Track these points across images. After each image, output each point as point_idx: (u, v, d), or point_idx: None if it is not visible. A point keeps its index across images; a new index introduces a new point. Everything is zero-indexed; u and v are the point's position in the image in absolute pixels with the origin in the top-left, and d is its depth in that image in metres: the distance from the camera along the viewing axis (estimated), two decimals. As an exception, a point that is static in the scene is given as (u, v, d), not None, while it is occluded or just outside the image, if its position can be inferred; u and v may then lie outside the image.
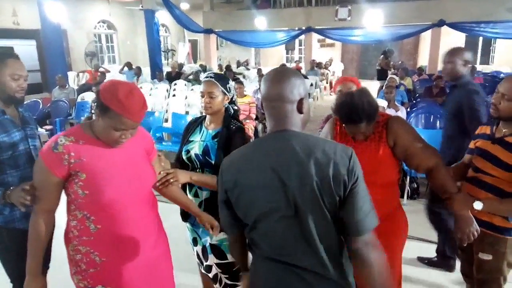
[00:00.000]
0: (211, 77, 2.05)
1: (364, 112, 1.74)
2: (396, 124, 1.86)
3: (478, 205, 1.76)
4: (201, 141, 2.09)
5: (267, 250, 1.26)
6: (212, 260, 2.15)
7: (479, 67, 12.76)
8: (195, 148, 2.09)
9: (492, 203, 1.81)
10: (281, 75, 1.25)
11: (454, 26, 11.41)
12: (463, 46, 16.00)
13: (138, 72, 10.57)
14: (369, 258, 1.18)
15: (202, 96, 2.04)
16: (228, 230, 1.38)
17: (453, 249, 2.81)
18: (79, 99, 7.42)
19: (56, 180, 1.50)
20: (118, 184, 1.53)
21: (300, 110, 1.25)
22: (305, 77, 10.31)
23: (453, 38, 14.15)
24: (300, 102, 1.25)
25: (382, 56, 10.88)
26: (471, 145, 2.05)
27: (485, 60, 15.98)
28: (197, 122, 2.19)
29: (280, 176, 1.17)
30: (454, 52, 2.69)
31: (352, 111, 1.75)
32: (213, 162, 2.02)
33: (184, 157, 2.11)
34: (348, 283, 1.26)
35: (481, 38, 15.04)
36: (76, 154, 1.48)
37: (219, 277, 2.20)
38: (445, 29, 11.82)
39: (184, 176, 1.89)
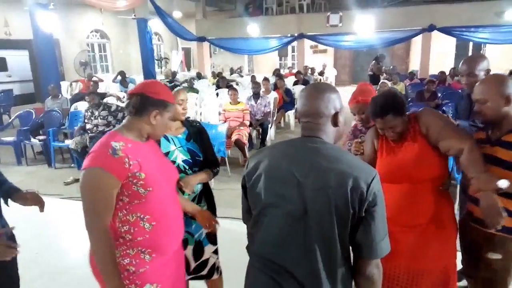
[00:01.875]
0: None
1: (387, 104, 1.84)
2: (425, 113, 1.93)
3: (502, 183, 1.66)
4: (179, 147, 2.12)
5: (262, 250, 1.27)
6: (208, 251, 2.21)
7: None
8: (179, 156, 2.11)
9: None
10: (317, 91, 1.31)
11: (444, 30, 11.56)
12: (453, 51, 16.22)
13: (124, 83, 10.55)
14: (378, 280, 1.25)
15: (179, 104, 2.12)
16: (242, 218, 1.46)
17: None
18: (72, 109, 7.39)
19: (119, 186, 1.50)
20: (163, 179, 1.63)
21: (335, 123, 1.30)
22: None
23: (443, 43, 14.34)
24: (336, 116, 1.30)
25: (374, 61, 10.98)
26: None
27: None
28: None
29: (296, 176, 1.21)
30: (474, 62, 2.45)
31: (378, 104, 1.87)
32: (201, 159, 2.15)
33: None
34: None
35: (471, 43, 15.22)
36: (133, 156, 1.53)
37: (216, 265, 2.27)
38: (435, 34, 11.96)
39: (194, 181, 2.03)
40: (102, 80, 11.04)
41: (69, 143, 5.88)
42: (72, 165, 6.28)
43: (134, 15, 11.97)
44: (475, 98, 1.86)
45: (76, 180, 5.50)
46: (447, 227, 1.95)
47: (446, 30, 11.55)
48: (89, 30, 14.87)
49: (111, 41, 15.83)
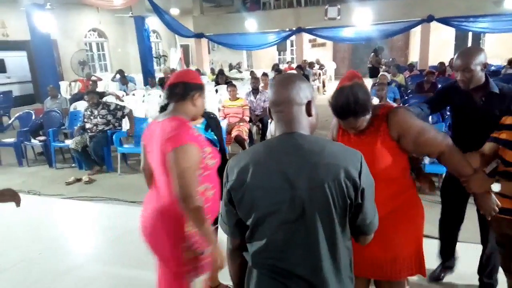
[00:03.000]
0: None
1: (349, 108, 1.73)
2: (397, 116, 1.82)
3: (496, 187, 1.73)
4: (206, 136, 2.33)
5: (263, 256, 1.24)
6: None
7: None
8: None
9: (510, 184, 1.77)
10: (287, 80, 1.29)
11: (443, 21, 11.50)
12: (453, 41, 16.14)
13: (124, 81, 10.50)
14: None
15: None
16: (230, 233, 1.33)
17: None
18: (71, 109, 7.39)
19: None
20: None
21: (309, 113, 1.27)
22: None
23: (442, 33, 14.27)
24: (309, 105, 1.27)
25: (372, 54, 10.92)
26: (495, 134, 1.96)
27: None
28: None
29: (288, 178, 1.16)
30: (469, 56, 2.25)
31: (338, 107, 1.76)
32: (219, 148, 2.38)
33: None
34: None
35: (470, 33, 15.15)
36: (197, 133, 1.82)
37: None
38: (434, 24, 11.90)
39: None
40: (100, 79, 11.04)
41: (69, 143, 5.87)
42: (73, 165, 6.28)
43: (131, 13, 11.94)
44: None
45: (78, 180, 5.51)
46: (410, 212, 1.91)
47: (445, 21, 11.49)
48: (86, 29, 14.84)
49: (109, 40, 15.80)
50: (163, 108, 2.26)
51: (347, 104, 1.73)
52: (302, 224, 1.17)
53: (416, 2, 11.77)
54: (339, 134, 2.01)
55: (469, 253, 2.78)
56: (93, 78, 10.68)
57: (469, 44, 15.97)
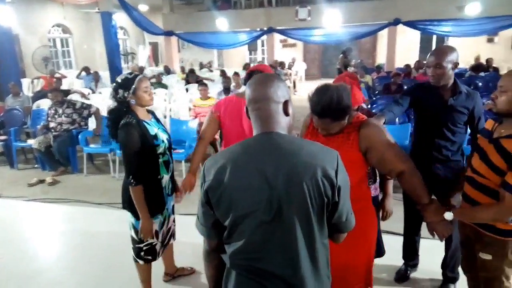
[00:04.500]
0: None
1: (330, 109, 1.73)
2: (369, 130, 1.83)
3: (448, 216, 1.79)
4: (158, 129, 2.40)
5: (242, 257, 1.23)
6: (171, 219, 2.64)
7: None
8: (163, 136, 2.41)
9: (464, 212, 1.85)
10: (265, 78, 1.30)
11: (409, 24, 11.87)
12: (418, 44, 16.68)
13: (96, 77, 10.23)
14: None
15: (145, 92, 2.31)
16: (206, 234, 1.31)
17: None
18: (34, 107, 7.09)
19: None
20: None
21: (286, 112, 1.27)
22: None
23: (408, 36, 14.72)
24: (286, 104, 1.27)
25: (341, 55, 11.11)
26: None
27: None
28: (136, 122, 2.27)
29: (267, 178, 1.16)
30: (442, 54, 2.33)
31: (319, 105, 1.74)
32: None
33: (162, 150, 2.39)
34: None
35: (435, 36, 15.70)
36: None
37: (172, 231, 2.68)
38: (401, 27, 12.26)
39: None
40: (65, 77, 10.63)
41: (32, 143, 5.63)
42: (36, 165, 6.02)
43: (98, 9, 11.58)
44: (499, 85, 1.75)
45: (41, 181, 5.29)
46: (364, 224, 1.91)
47: (411, 24, 11.86)
48: (50, 24, 14.27)
49: (74, 36, 15.26)
50: (113, 112, 2.31)
51: (329, 104, 1.72)
52: (280, 223, 1.17)
53: (383, 5, 12.08)
54: (308, 132, 2.01)
55: (432, 249, 2.87)
56: (57, 75, 10.28)
57: (433, 47, 16.54)
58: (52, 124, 5.59)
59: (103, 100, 7.62)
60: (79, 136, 5.51)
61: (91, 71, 10.68)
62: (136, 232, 2.43)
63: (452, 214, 1.80)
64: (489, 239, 1.85)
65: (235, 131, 2.43)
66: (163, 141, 2.37)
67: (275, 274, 1.20)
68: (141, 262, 2.52)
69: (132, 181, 2.23)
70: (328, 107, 1.73)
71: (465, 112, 2.40)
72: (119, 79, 2.30)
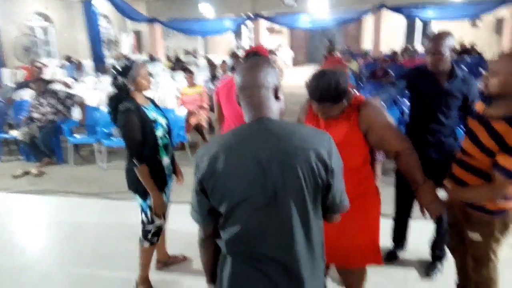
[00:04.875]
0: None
1: (329, 93, 1.75)
2: (369, 110, 1.84)
3: (442, 195, 1.83)
4: (157, 114, 2.46)
5: (238, 243, 1.23)
6: (168, 203, 2.63)
7: (420, 48, 13.40)
8: (162, 121, 2.46)
9: (457, 192, 1.88)
10: (254, 64, 1.29)
11: (393, 9, 11.88)
12: (404, 29, 16.76)
13: (79, 66, 10.04)
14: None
15: (143, 77, 2.38)
16: (202, 222, 1.31)
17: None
18: (17, 98, 6.93)
19: None
20: None
21: (277, 97, 1.27)
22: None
23: (393, 22, 14.76)
24: (276, 89, 1.27)
25: (327, 43, 11.12)
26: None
27: (424, 41, 16.83)
28: (135, 107, 2.32)
29: (261, 164, 1.16)
30: (439, 40, 2.34)
31: (318, 90, 1.76)
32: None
33: (161, 133, 2.43)
34: (318, 284, 1.27)
35: (418, 21, 15.78)
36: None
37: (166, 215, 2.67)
38: (386, 13, 12.27)
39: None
40: (46, 66, 10.39)
41: (16, 134, 5.51)
42: (20, 157, 5.90)
43: (79, -4, 11.28)
44: (490, 67, 1.76)
45: (26, 173, 5.20)
46: (368, 202, 1.97)
47: (395, 8, 11.88)
48: (30, 13, 13.87)
49: (55, 24, 14.88)
50: (113, 98, 2.37)
51: (327, 89, 1.75)
52: (275, 208, 1.18)
53: (368, -10, 12.06)
54: (307, 118, 2.02)
55: (420, 230, 2.94)
56: (38, 64, 10.04)
57: (418, 32, 16.66)
58: (36, 115, 5.47)
59: (86, 89, 7.50)
60: (64, 127, 5.42)
61: (74, 60, 10.47)
62: (146, 213, 2.50)
63: (445, 193, 1.83)
64: (477, 219, 1.89)
65: (233, 112, 2.56)
66: (162, 125, 2.44)
67: (271, 258, 1.21)
68: (147, 244, 2.57)
69: (135, 162, 2.31)
70: (326, 92, 1.75)
71: (459, 96, 2.42)
72: (118, 66, 2.37)
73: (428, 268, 2.76)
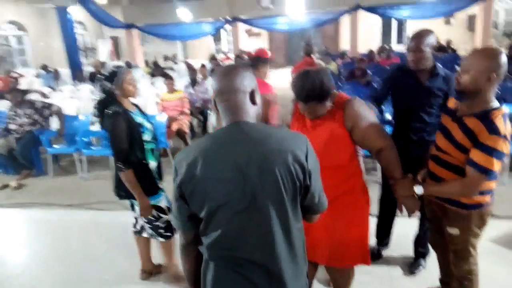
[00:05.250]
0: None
1: (314, 93, 1.79)
2: (354, 107, 1.88)
3: (419, 190, 1.88)
4: (143, 120, 2.50)
5: (219, 247, 1.24)
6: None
7: (395, 47, 13.65)
8: (148, 126, 2.50)
9: (433, 187, 1.92)
10: (230, 69, 1.30)
11: (368, 9, 12.08)
12: (380, 29, 17.04)
13: (56, 74, 9.85)
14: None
15: (130, 84, 2.45)
16: (182, 228, 1.31)
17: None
18: (-9, 109, 6.74)
19: None
20: None
21: (253, 101, 1.28)
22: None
23: (369, 22, 15.01)
24: (253, 93, 1.28)
25: (304, 44, 11.19)
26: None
27: (399, 40, 17.16)
28: (122, 111, 2.38)
29: (239, 167, 1.17)
30: (420, 38, 2.37)
31: (303, 90, 1.80)
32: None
33: (148, 137, 2.47)
34: (300, 285, 1.29)
35: (394, 20, 16.08)
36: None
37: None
38: (362, 13, 12.46)
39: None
40: (22, 75, 10.16)
41: (-8, 147, 5.36)
42: (-2, 170, 5.75)
43: (53, 4, 11.07)
44: (461, 64, 1.80)
45: (5, 186, 5.08)
46: (357, 199, 2.01)
47: (371, 9, 12.08)
48: (3, 22, 13.54)
49: (30, 33, 14.56)
50: (100, 102, 2.43)
51: (312, 88, 1.78)
52: (255, 211, 1.19)
53: (344, -9, 12.22)
54: (294, 119, 2.05)
55: (404, 227, 2.99)
56: (14, 74, 9.81)
57: (393, 31, 16.97)
58: (12, 126, 5.34)
59: (63, 99, 7.36)
60: (42, 137, 5.31)
61: (50, 69, 10.26)
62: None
63: (422, 188, 1.88)
64: (454, 213, 1.94)
65: None
66: (148, 129, 2.49)
67: (252, 262, 1.22)
68: (161, 239, 2.67)
69: (121, 166, 2.33)
70: (312, 91, 1.79)
71: (441, 94, 2.45)
72: (105, 72, 2.46)
73: (411, 265, 2.81)
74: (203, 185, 1.19)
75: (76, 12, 11.99)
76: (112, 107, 2.35)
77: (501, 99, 5.19)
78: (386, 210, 2.91)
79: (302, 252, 1.32)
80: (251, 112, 1.28)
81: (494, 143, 1.66)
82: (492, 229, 3.14)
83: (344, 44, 16.10)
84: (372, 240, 2.99)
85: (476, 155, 1.71)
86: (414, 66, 2.45)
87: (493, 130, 1.66)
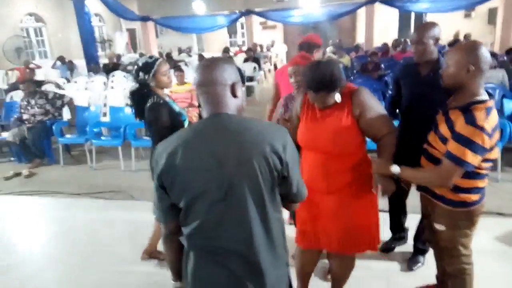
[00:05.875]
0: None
1: (324, 83, 1.84)
2: (361, 96, 1.93)
3: (395, 169, 1.86)
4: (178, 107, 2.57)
5: (198, 237, 1.26)
6: None
7: (412, 41, 13.34)
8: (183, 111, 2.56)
9: (407, 170, 1.90)
10: (211, 62, 1.31)
11: (385, 2, 11.83)
12: (397, 22, 16.70)
13: (71, 66, 10.01)
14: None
15: (164, 75, 2.48)
16: (164, 218, 1.33)
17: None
18: (8, 99, 6.93)
19: None
20: None
21: (234, 94, 1.29)
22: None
23: (387, 15, 14.72)
24: (233, 86, 1.29)
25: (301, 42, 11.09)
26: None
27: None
28: (163, 102, 2.43)
29: (217, 157, 1.19)
30: (423, 30, 2.37)
31: (314, 80, 1.85)
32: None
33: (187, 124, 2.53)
34: (279, 273, 1.31)
35: (413, 13, 15.73)
36: None
37: None
38: (379, 6, 12.23)
39: None
40: (40, 67, 10.38)
41: (6, 135, 5.51)
42: (12, 158, 5.91)
43: (70, -5, 11.20)
44: (444, 61, 1.82)
45: (17, 174, 5.22)
46: (366, 189, 2.02)
47: (387, 2, 11.84)
48: (22, 14, 13.81)
49: (48, 25, 14.82)
50: (134, 93, 2.47)
51: (323, 78, 1.83)
52: (233, 201, 1.20)
53: (360, -17, 12.01)
54: (304, 110, 2.09)
55: (407, 221, 2.95)
56: (31, 65, 10.02)
57: (412, 25, 16.61)
58: (25, 116, 5.48)
59: (77, 90, 7.49)
60: (53, 127, 5.42)
61: (66, 60, 10.44)
62: None
63: (398, 167, 1.87)
64: (441, 209, 1.92)
65: (287, 93, 2.77)
66: (186, 117, 2.56)
67: (231, 251, 1.23)
68: None
69: None
70: (322, 81, 1.84)
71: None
72: (139, 63, 2.47)
73: (410, 262, 2.78)
74: (183, 175, 1.21)
75: (94, 4, 12.14)
76: (151, 99, 2.39)
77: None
78: (394, 204, 2.87)
79: (281, 240, 1.33)
80: (231, 105, 1.29)
81: (469, 134, 1.65)
82: (498, 227, 3.12)
83: (360, 38, 15.85)
84: (387, 234, 2.96)
85: (451, 145, 1.71)
86: (417, 58, 2.44)
87: (470, 120, 1.65)
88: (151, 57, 2.50)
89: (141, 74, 2.43)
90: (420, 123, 2.47)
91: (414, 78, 2.48)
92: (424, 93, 2.43)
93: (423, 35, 2.35)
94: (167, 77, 2.50)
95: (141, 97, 2.43)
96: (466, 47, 1.73)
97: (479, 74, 1.70)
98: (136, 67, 2.48)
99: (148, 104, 2.38)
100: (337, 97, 1.91)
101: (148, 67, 2.43)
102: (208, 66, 1.29)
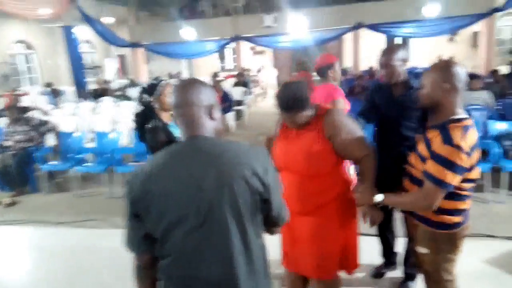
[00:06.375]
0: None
1: (292, 102, 1.84)
2: (332, 118, 1.91)
3: (378, 198, 1.84)
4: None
5: (176, 267, 1.19)
6: None
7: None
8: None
9: (390, 197, 1.86)
10: (186, 83, 1.29)
11: (370, 27, 12.14)
12: (383, 46, 17.08)
13: (55, 92, 9.99)
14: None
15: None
16: (137, 248, 1.26)
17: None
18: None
19: None
20: None
21: (211, 116, 1.26)
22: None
23: (373, 39, 15.05)
24: (210, 108, 1.26)
25: (296, 64, 11.38)
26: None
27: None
28: (162, 125, 2.40)
29: (196, 181, 1.14)
30: (389, 53, 2.39)
31: (283, 100, 1.87)
32: None
33: None
34: None
35: (399, 38, 16.10)
36: None
37: None
38: (365, 31, 12.53)
39: None
40: (26, 94, 10.31)
41: (-12, 163, 5.39)
42: (-6, 187, 5.75)
43: (61, 23, 11.31)
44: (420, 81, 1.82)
45: (-2, 203, 5.06)
46: (343, 211, 1.99)
47: (373, 27, 12.14)
48: (12, 41, 13.86)
49: (38, 51, 14.89)
50: (139, 115, 2.48)
51: (292, 97, 1.85)
52: (212, 227, 1.15)
53: (346, 10, 12.34)
54: (282, 130, 2.09)
55: (397, 245, 2.88)
56: (18, 92, 9.96)
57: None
58: (9, 143, 5.38)
59: (63, 116, 7.42)
60: (36, 154, 5.31)
61: (56, 87, 10.42)
62: None
63: (382, 196, 1.84)
64: (423, 231, 1.88)
65: None
66: None
67: (211, 282, 1.17)
68: None
69: None
70: (291, 100, 1.85)
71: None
72: (144, 85, 2.50)
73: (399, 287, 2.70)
74: (159, 200, 1.16)
75: (85, 31, 12.24)
76: (152, 121, 2.38)
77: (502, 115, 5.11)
78: (382, 227, 2.81)
79: (263, 266, 1.27)
80: (208, 127, 1.26)
81: (447, 153, 1.62)
82: (488, 250, 3.06)
83: (347, 62, 16.14)
84: (378, 260, 2.90)
85: (429, 165, 1.68)
86: (386, 81, 2.47)
87: (447, 140, 1.63)
88: (156, 78, 2.55)
89: (144, 95, 2.44)
90: (396, 144, 2.49)
91: (387, 99, 2.50)
92: (399, 114, 2.45)
93: (390, 58, 2.38)
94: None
95: (144, 119, 2.43)
96: (440, 66, 1.73)
97: (455, 93, 1.69)
98: (141, 89, 2.48)
99: (149, 126, 2.36)
100: (309, 115, 1.91)
101: (152, 88, 2.43)
102: (184, 87, 1.27)
